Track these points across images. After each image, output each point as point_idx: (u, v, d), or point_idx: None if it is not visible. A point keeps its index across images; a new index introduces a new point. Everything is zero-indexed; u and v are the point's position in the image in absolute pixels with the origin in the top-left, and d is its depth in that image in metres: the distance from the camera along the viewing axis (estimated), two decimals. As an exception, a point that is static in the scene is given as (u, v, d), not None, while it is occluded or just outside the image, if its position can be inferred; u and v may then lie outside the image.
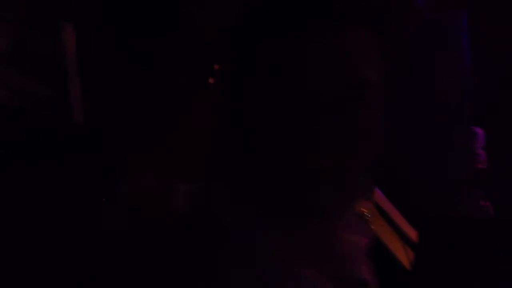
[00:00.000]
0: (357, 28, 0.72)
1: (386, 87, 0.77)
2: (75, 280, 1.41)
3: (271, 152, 0.74)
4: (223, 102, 0.81)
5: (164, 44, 1.86)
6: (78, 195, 1.51)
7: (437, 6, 2.91)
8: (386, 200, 2.13)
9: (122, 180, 1.69)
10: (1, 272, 1.15)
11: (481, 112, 2.77)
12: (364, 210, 2.10)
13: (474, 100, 2.72)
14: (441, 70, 2.78)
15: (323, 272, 0.83)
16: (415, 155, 2.68)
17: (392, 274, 1.91)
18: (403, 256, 2.02)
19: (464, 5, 2.88)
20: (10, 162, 1.42)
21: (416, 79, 2.77)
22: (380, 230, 2.01)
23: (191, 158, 1.98)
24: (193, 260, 0.74)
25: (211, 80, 1.88)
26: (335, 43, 0.69)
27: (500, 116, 2.91)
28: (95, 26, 1.70)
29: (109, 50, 1.75)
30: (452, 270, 1.97)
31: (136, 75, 1.86)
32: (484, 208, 2.52)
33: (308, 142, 0.71)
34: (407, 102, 2.77)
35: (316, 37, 0.69)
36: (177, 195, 2.13)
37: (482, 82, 2.81)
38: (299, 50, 0.69)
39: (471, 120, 2.68)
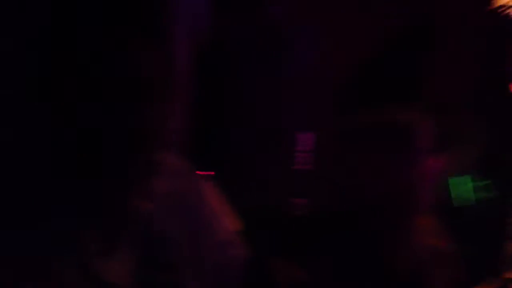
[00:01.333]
0: (147, 39, 0.89)
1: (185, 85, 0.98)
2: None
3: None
4: None
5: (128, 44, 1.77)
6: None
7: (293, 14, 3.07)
8: (214, 190, 2.21)
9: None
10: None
11: (315, 115, 2.98)
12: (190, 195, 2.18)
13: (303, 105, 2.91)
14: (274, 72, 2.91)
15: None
16: (244, 153, 2.81)
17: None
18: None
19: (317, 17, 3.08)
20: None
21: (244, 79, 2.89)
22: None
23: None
24: None
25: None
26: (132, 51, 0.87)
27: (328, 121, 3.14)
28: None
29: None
30: (267, 262, 2.09)
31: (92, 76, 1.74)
32: (300, 205, 2.71)
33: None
34: (238, 102, 2.89)
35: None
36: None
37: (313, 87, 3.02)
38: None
39: (297, 124, 2.86)
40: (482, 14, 2.95)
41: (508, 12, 2.78)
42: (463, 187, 3.54)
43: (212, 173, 2.36)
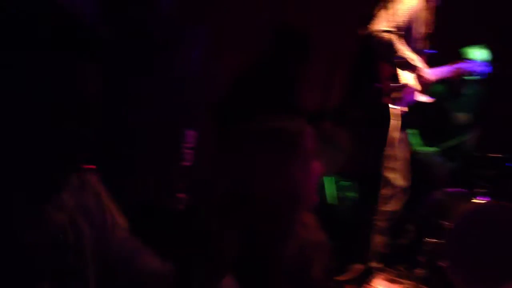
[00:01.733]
0: (80, 58, 1.00)
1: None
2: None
3: None
4: None
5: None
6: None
7: (182, 16, 3.14)
8: (102, 187, 2.25)
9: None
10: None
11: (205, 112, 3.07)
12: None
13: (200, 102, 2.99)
14: (167, 74, 2.98)
15: None
16: (128, 150, 2.85)
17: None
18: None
19: (204, 19, 3.16)
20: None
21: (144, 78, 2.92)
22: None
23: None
24: None
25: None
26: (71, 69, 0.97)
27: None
28: None
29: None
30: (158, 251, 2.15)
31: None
32: (181, 199, 2.81)
33: None
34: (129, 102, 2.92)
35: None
36: None
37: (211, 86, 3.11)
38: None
39: (182, 122, 2.95)
40: (356, 37, 3.23)
41: (380, 36, 3.09)
42: (333, 187, 3.83)
43: (94, 166, 2.39)
